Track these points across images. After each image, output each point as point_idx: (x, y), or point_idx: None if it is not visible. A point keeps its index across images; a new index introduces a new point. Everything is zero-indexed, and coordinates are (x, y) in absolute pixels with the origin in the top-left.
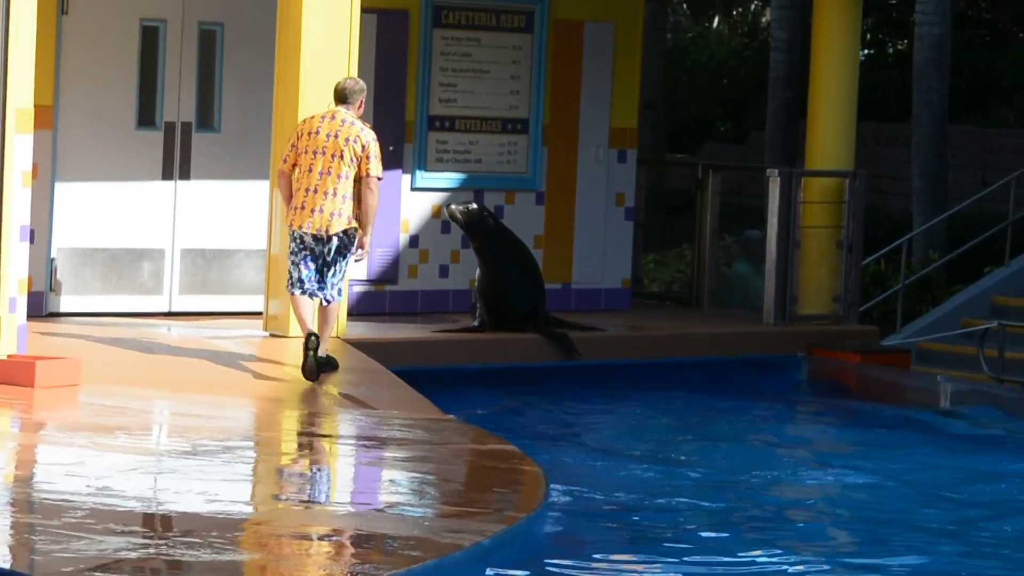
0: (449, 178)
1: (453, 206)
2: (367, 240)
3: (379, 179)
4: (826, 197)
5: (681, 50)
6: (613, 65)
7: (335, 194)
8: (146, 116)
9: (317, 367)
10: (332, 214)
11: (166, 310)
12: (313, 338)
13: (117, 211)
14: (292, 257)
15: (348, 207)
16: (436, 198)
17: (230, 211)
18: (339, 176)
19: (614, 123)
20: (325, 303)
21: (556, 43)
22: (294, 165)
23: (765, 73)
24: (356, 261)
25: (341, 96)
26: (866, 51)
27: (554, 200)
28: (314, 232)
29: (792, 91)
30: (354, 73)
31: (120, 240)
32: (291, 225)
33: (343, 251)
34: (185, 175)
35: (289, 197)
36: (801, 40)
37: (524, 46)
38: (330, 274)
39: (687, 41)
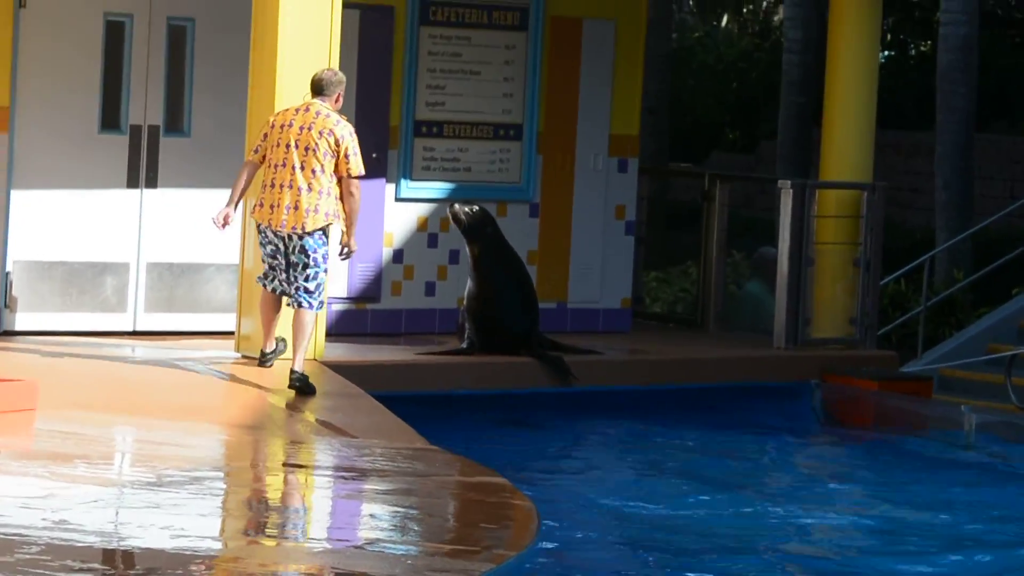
0: (436, 188)
1: (457, 205)
2: (352, 241)
3: (360, 177)
4: (842, 211)
5: (687, 51)
6: (614, 66)
7: (310, 189)
8: (110, 118)
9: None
10: (307, 210)
11: (130, 329)
12: (269, 357)
13: (78, 221)
14: (261, 249)
15: (325, 203)
16: (422, 209)
17: (200, 222)
18: (313, 171)
19: (614, 130)
20: (297, 306)
21: (552, 42)
22: (263, 158)
23: (777, 76)
24: (342, 259)
25: (317, 87)
26: (886, 53)
27: (549, 212)
28: (288, 232)
29: (806, 96)
30: None
31: (81, 253)
32: (259, 221)
33: (308, 252)
34: (152, 183)
35: (245, 186)
36: (816, 41)
37: (518, 45)
38: (303, 277)
39: (693, 41)
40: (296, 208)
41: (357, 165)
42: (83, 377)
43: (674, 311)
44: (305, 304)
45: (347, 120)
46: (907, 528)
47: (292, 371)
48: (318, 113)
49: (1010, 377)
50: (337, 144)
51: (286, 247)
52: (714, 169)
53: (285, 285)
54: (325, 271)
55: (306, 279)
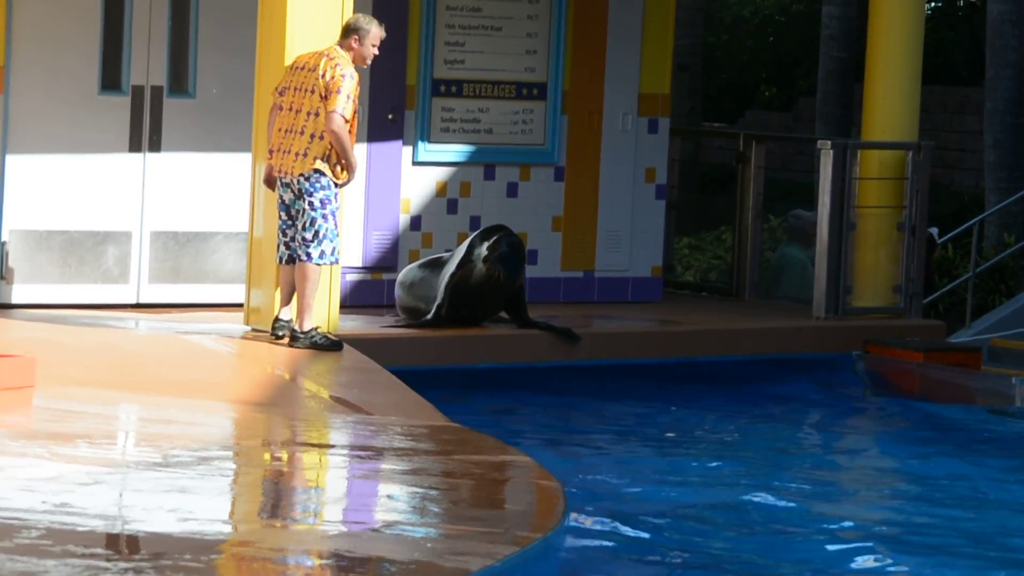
0: (456, 150)
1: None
2: (339, 175)
3: (340, 115)
4: (885, 172)
5: (720, 3)
6: (643, 21)
7: (302, 132)
8: (110, 78)
9: (276, 336)
10: (297, 154)
11: (133, 301)
12: (279, 325)
13: (77, 188)
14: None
15: (316, 147)
16: (441, 173)
17: (207, 188)
18: (308, 114)
19: (644, 88)
20: (298, 260)
21: None
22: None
23: (816, 30)
24: (340, 186)
25: (342, 31)
26: (932, 4)
27: (575, 176)
28: (292, 178)
29: (847, 51)
30: None
31: (81, 221)
32: (273, 167)
33: (304, 195)
34: (155, 146)
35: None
36: None
37: None
38: (301, 225)
39: None
40: (298, 154)
41: (340, 103)
42: (84, 352)
43: (707, 279)
44: (303, 256)
45: (354, 70)
46: (955, 507)
47: (292, 330)
48: (329, 57)
49: None
50: (332, 80)
51: (293, 196)
52: (749, 129)
53: (292, 245)
54: (324, 218)
55: (303, 227)
